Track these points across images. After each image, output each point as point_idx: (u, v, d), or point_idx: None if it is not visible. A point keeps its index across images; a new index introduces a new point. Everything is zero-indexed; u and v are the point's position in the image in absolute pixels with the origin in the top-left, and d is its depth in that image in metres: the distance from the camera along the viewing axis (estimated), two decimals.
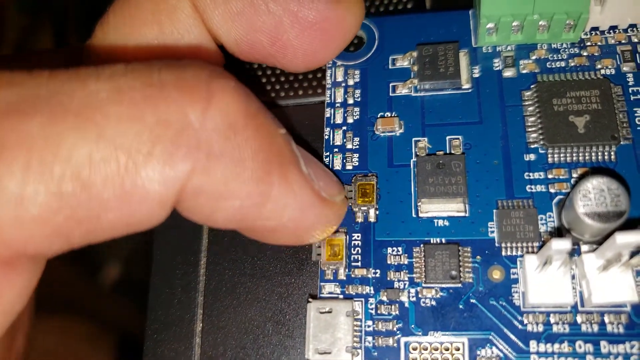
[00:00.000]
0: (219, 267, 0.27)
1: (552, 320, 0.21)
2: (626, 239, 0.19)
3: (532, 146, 0.24)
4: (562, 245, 0.19)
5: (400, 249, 0.23)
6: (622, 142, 0.23)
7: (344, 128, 0.26)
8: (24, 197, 0.15)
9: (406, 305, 0.23)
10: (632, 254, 0.20)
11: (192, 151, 0.16)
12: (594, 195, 0.20)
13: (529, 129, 0.24)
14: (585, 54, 0.25)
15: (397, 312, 0.23)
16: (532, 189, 0.23)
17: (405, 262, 0.23)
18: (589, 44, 0.25)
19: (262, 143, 0.18)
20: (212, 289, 0.26)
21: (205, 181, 0.17)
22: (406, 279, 0.23)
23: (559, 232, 0.22)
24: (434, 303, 0.22)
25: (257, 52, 0.24)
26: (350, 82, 0.27)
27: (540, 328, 0.21)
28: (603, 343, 0.21)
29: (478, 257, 0.23)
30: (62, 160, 0.15)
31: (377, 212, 0.24)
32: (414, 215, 0.24)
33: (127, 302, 0.55)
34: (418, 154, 0.25)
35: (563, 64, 0.25)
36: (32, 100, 0.15)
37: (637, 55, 0.25)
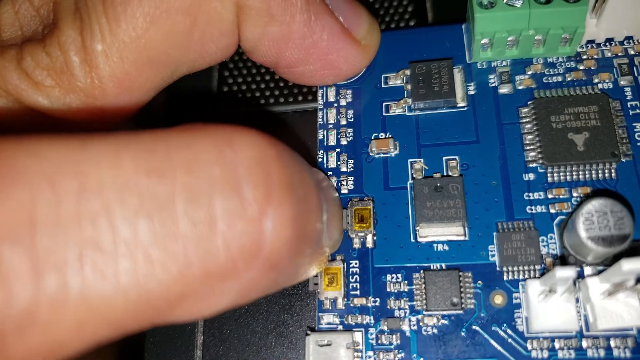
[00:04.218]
0: None
1: (557, 345, 0.21)
2: (632, 266, 0.18)
3: (531, 165, 0.23)
4: (566, 273, 0.19)
5: (399, 275, 0.23)
6: (622, 159, 0.23)
7: (338, 150, 0.25)
8: None
9: (407, 334, 0.22)
10: (638, 279, 0.19)
11: (230, 294, 0.16)
12: (597, 219, 0.20)
13: (527, 148, 0.24)
14: (582, 67, 0.24)
15: (399, 342, 0.22)
16: (532, 209, 0.23)
17: (406, 290, 0.23)
18: (585, 57, 0.25)
19: (295, 261, 0.18)
20: None
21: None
22: (407, 307, 0.22)
23: (562, 256, 0.22)
24: (435, 331, 0.22)
25: (267, 63, 0.24)
26: (343, 103, 0.26)
27: (545, 354, 0.21)
28: None
29: (479, 282, 0.22)
30: None
31: (375, 238, 0.24)
32: (412, 240, 0.23)
33: None
34: (415, 176, 0.24)
35: (560, 78, 0.25)
36: None
37: (635, 68, 0.24)
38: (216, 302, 0.16)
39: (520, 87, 0.25)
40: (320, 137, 0.26)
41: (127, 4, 0.19)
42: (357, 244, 0.24)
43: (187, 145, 0.15)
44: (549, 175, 0.23)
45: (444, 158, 0.24)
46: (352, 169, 0.25)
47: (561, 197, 0.23)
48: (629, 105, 0.24)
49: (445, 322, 0.22)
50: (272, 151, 0.16)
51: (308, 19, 0.22)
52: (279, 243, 0.16)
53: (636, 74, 0.24)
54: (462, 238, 0.23)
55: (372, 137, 0.25)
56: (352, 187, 0.25)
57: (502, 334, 0.21)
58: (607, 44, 0.25)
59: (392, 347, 0.22)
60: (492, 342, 0.21)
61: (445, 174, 0.24)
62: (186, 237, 0.14)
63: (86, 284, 0.13)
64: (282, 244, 0.16)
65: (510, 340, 0.21)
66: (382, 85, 0.26)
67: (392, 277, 0.23)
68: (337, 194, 0.23)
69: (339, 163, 0.25)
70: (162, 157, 0.15)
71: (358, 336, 0.22)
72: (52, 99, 0.20)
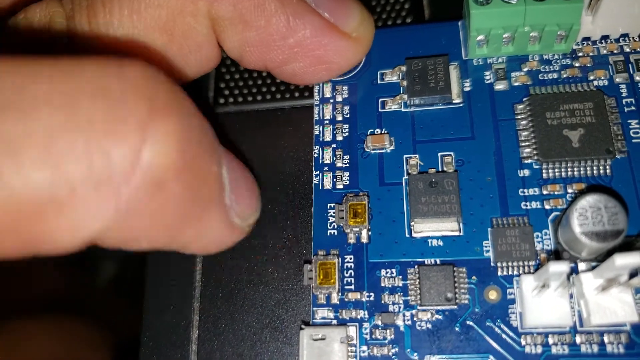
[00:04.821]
0: (215, 273, 0.26)
1: (550, 341, 0.21)
2: (625, 261, 0.18)
3: (526, 161, 0.23)
4: (559, 268, 0.19)
5: (394, 270, 0.23)
6: (617, 156, 0.23)
7: (334, 146, 0.25)
8: None
9: (401, 329, 0.22)
10: (632, 275, 0.19)
11: (107, 206, 0.16)
12: (591, 214, 0.20)
13: (523, 144, 0.24)
14: (577, 64, 0.25)
15: (393, 336, 0.22)
16: (527, 205, 0.23)
17: (400, 285, 0.23)
18: (580, 54, 0.25)
19: (188, 195, 0.17)
20: (208, 295, 0.26)
21: (118, 232, 0.16)
22: (401, 301, 0.22)
23: (556, 251, 0.22)
24: (429, 326, 0.22)
25: (259, 68, 0.24)
26: (339, 98, 0.26)
27: (539, 349, 0.21)
28: None
29: (474, 277, 0.22)
30: None
31: (370, 233, 0.24)
32: (407, 236, 0.23)
33: (123, 304, 0.53)
34: (410, 171, 0.24)
35: (555, 75, 0.25)
36: None
37: (630, 65, 0.24)
38: (93, 216, 0.15)
39: (515, 84, 0.25)
40: (316, 132, 0.26)
41: (110, 25, 0.21)
42: (352, 239, 0.24)
43: (77, 65, 0.15)
44: (543, 171, 0.23)
45: (439, 154, 0.24)
46: (347, 165, 0.25)
47: (556, 193, 0.23)
48: (624, 102, 0.24)
49: (440, 317, 0.22)
50: (161, 76, 0.17)
51: (286, 20, 0.22)
52: (160, 159, 0.16)
53: (631, 71, 0.24)
54: (456, 233, 0.23)
55: (368, 133, 0.25)
56: (348, 182, 0.25)
57: (496, 329, 0.21)
58: (603, 41, 0.25)
59: (386, 341, 0.22)
60: (486, 337, 0.21)
61: (440, 169, 0.24)
62: (63, 139, 0.14)
63: None
64: (164, 161, 0.16)
65: (504, 335, 0.21)
66: (378, 82, 0.26)
67: (387, 272, 0.23)
68: (250, 175, 0.22)
69: (334, 158, 0.25)
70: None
71: (352, 330, 0.22)
72: None
